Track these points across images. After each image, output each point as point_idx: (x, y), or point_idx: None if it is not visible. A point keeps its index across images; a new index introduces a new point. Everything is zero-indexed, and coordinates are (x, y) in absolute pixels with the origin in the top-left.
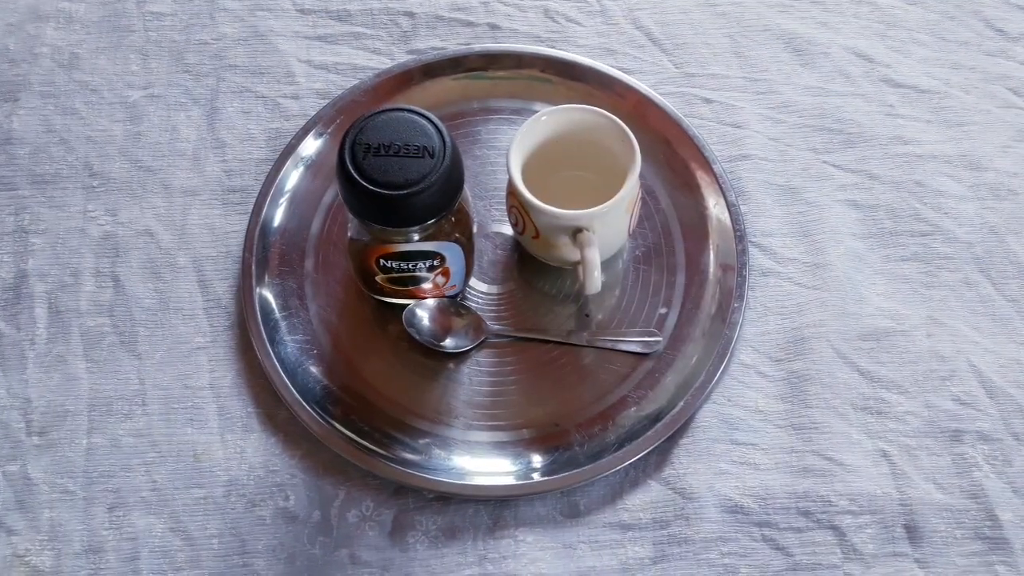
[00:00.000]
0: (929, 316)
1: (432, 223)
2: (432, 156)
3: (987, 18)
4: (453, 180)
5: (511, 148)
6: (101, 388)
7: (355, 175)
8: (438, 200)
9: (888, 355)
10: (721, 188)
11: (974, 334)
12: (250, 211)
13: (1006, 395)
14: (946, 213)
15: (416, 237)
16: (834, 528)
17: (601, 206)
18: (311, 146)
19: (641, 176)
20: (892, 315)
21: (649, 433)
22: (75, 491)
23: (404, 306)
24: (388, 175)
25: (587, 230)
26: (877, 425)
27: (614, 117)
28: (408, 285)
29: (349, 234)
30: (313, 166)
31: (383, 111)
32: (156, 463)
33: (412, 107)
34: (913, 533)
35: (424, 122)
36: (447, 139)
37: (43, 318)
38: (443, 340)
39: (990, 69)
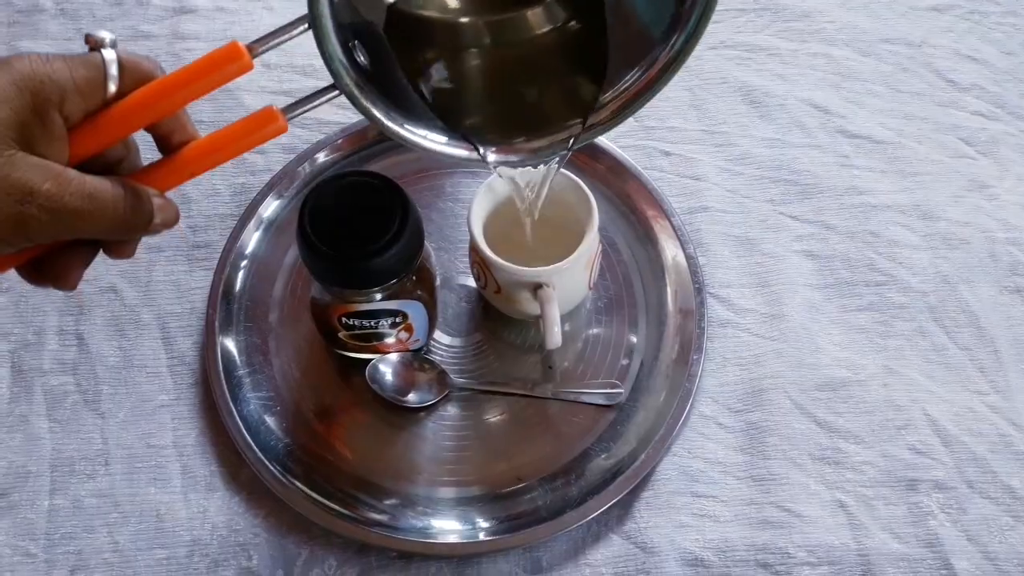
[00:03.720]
0: (884, 366)
1: (393, 283)
2: (391, 219)
3: (938, 69)
4: (412, 241)
5: (472, 206)
6: (64, 448)
7: (315, 240)
8: (398, 262)
9: (845, 405)
10: (680, 240)
11: (929, 383)
12: (215, 267)
13: (960, 443)
14: (900, 263)
15: (378, 297)
16: None
17: (560, 263)
18: (274, 205)
19: (602, 228)
20: (848, 365)
21: (611, 487)
22: (36, 554)
23: (368, 361)
24: (347, 239)
25: (547, 286)
26: (834, 475)
27: (572, 175)
28: (371, 341)
29: (312, 294)
30: (276, 224)
31: (341, 175)
32: (118, 524)
33: (370, 171)
34: None
35: (382, 185)
36: (406, 201)
37: (6, 378)
38: (406, 395)
39: (942, 119)
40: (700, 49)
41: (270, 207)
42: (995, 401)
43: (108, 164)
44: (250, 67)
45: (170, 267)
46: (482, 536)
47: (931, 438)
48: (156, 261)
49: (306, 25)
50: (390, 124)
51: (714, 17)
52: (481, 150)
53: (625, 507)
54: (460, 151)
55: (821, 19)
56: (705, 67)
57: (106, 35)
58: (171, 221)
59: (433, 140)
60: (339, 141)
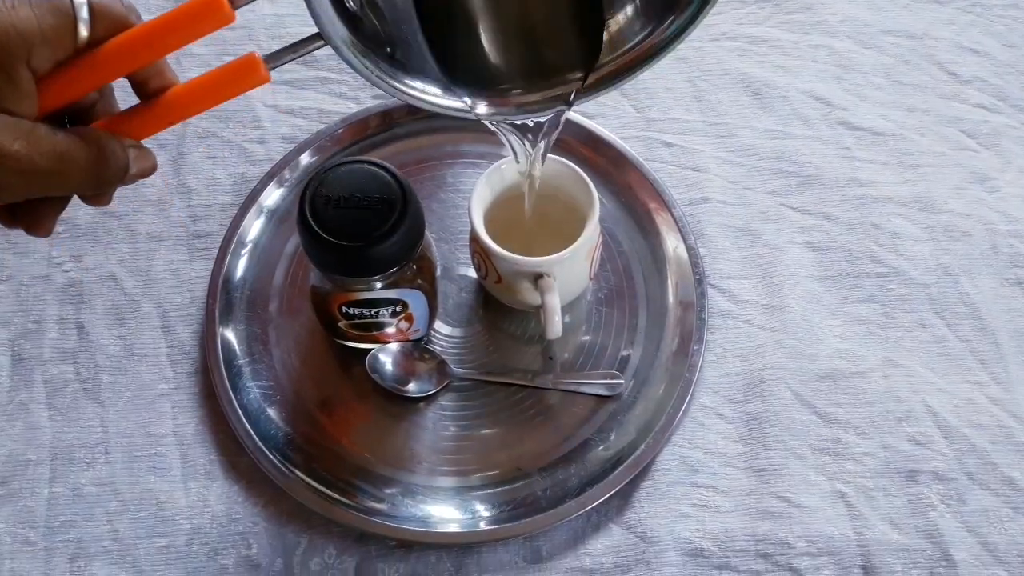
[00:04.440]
0: (885, 357)
1: (394, 272)
2: (392, 207)
3: (940, 62)
4: (413, 230)
5: (473, 196)
6: (63, 436)
7: (315, 227)
8: (398, 250)
9: (845, 396)
10: (681, 231)
11: (929, 375)
12: (215, 257)
13: (960, 435)
14: (901, 255)
15: (378, 285)
16: (793, 570)
17: (561, 253)
18: (275, 193)
19: (603, 219)
20: (849, 356)
21: (611, 477)
22: (36, 541)
23: (368, 350)
24: (348, 227)
25: (548, 276)
26: (834, 466)
27: (573, 165)
28: (371, 331)
29: (312, 282)
30: (277, 213)
31: (342, 163)
32: (118, 512)
33: (371, 159)
34: (870, 574)
35: (383, 173)
36: (407, 190)
37: (6, 366)
38: (407, 385)
39: (944, 112)
40: (701, 41)
41: (271, 196)
42: (995, 393)
43: (81, 108)
44: (231, 19)
45: (170, 256)
46: (482, 525)
47: (931, 429)
48: (156, 250)
49: None
50: (379, 75)
51: (716, 9)
52: (471, 100)
53: (625, 497)
54: (451, 102)
55: (823, 11)
56: (707, 59)
57: None
58: (148, 171)
59: (423, 92)
60: (340, 131)
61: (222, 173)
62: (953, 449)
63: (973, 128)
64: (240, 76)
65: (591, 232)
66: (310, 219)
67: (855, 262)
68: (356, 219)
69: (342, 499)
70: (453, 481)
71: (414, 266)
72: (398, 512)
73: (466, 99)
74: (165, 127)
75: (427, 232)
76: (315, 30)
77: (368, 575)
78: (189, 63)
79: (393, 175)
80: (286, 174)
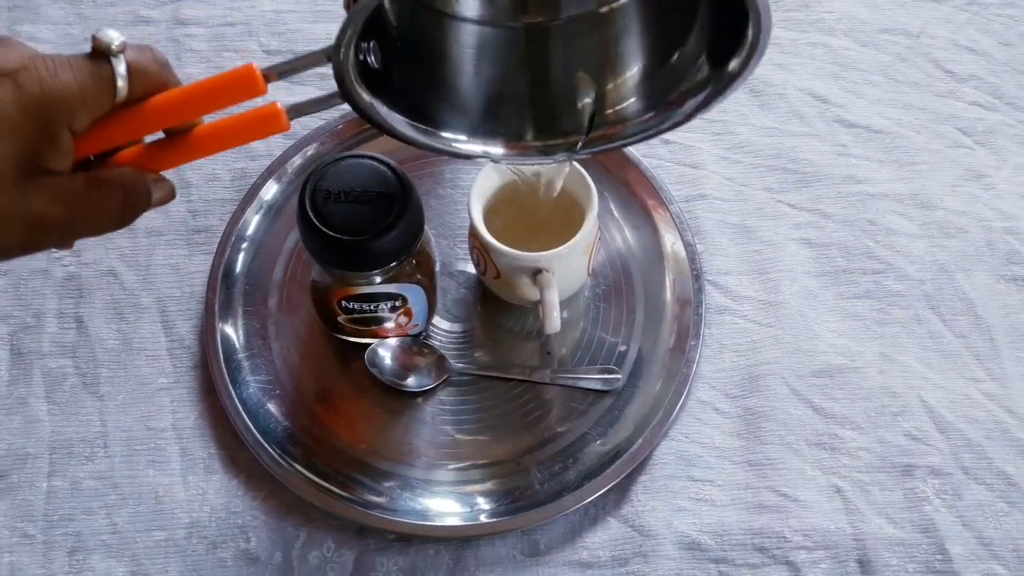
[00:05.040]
0: (881, 353)
1: (393, 266)
2: (392, 201)
3: (937, 60)
4: (413, 225)
5: (472, 191)
6: (62, 430)
7: (315, 222)
8: (398, 245)
9: (841, 391)
10: (678, 228)
11: (925, 370)
12: (214, 251)
13: (956, 430)
14: (897, 251)
15: (378, 280)
16: (789, 563)
17: (560, 248)
18: (274, 188)
19: (601, 216)
20: (845, 352)
21: (608, 471)
22: (35, 535)
23: (367, 345)
24: (348, 221)
25: (546, 271)
26: (830, 461)
27: (573, 161)
28: (371, 325)
29: (312, 276)
30: (276, 208)
31: (342, 158)
32: (117, 506)
33: (372, 154)
34: (866, 568)
35: (383, 168)
36: (406, 184)
37: (5, 360)
38: (405, 379)
39: (940, 109)
40: None
41: (270, 191)
42: (991, 388)
43: None
44: (264, 92)
45: (170, 251)
46: (480, 519)
47: (927, 424)
48: (156, 245)
49: (327, 58)
50: (403, 130)
51: None
52: (484, 148)
53: (622, 491)
54: (470, 148)
55: (820, 9)
56: None
57: (114, 37)
58: (167, 199)
59: (443, 140)
60: (339, 127)
61: (221, 168)
62: (949, 444)
63: (969, 126)
64: (262, 123)
65: (590, 228)
66: (310, 213)
67: (851, 258)
68: (356, 213)
69: (341, 493)
70: (451, 475)
71: (413, 261)
72: (397, 506)
73: (482, 145)
74: (186, 162)
75: (426, 227)
76: (320, 46)
77: (367, 568)
78: (189, 58)
79: (393, 170)
80: (286, 169)
